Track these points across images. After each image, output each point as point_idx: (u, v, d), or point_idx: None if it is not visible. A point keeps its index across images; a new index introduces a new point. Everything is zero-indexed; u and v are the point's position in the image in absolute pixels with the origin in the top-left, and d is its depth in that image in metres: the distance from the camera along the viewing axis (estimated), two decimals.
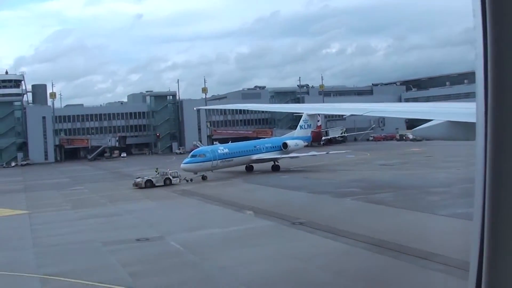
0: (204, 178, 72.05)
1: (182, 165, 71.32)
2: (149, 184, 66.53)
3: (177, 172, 69.95)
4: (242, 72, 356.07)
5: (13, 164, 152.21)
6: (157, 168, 70.93)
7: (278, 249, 30.86)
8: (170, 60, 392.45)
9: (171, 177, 68.71)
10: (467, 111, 18.67)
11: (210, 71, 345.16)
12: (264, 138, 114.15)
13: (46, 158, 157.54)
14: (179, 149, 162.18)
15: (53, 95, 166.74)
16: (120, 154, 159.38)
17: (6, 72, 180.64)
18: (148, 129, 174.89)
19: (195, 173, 71.73)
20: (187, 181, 70.33)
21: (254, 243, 32.64)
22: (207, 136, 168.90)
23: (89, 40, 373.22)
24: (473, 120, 3.27)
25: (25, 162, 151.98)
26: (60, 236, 38.16)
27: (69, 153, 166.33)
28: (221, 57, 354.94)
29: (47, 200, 60.15)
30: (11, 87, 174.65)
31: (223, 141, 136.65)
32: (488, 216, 2.96)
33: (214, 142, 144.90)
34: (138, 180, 67.63)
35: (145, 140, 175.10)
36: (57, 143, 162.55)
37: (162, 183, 67.44)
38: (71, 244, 34.86)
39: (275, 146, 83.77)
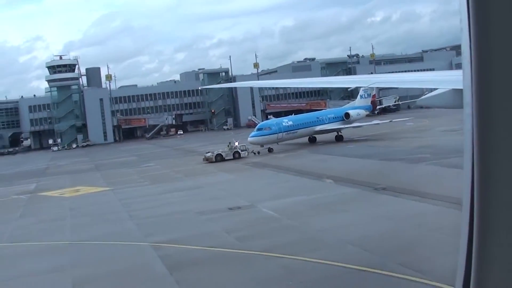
0: (270, 150, 73.40)
1: (249, 139, 72.82)
2: (219, 158, 68.11)
3: (245, 145, 71.43)
4: (287, 45, 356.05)
5: (74, 146, 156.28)
6: (229, 143, 72.27)
7: (370, 212, 31.76)
8: (216, 37, 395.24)
9: (239, 151, 70.21)
10: None
11: (255, 46, 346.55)
12: (318, 110, 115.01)
13: (105, 139, 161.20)
14: (226, 125, 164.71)
15: (109, 77, 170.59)
16: (176, 132, 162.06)
17: (61, 57, 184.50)
18: (203, 106, 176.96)
19: (262, 146, 73.12)
20: (255, 154, 71.74)
21: (344, 208, 33.62)
22: (261, 110, 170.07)
23: (135, 22, 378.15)
24: None
25: (85, 144, 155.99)
26: (152, 209, 39.71)
27: (126, 133, 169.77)
28: (265, 32, 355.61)
29: (124, 177, 62.25)
30: (66, 71, 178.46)
31: (276, 114, 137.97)
32: (477, 210, 2.93)
33: (269, 116, 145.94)
34: (208, 154, 69.27)
35: (200, 117, 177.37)
36: (115, 123, 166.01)
37: (231, 157, 68.96)
38: (166, 215, 36.35)
39: (338, 117, 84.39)
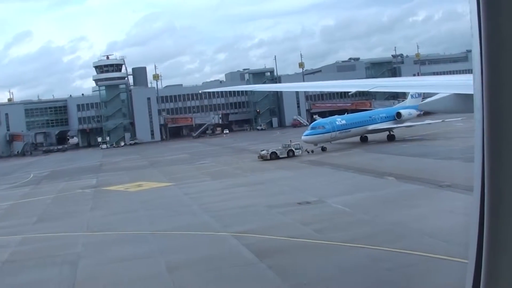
0: (323, 149, 74.26)
1: (303, 137, 73.86)
2: (274, 156, 69.24)
3: (299, 144, 72.43)
4: (328, 45, 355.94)
5: (122, 144, 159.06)
6: (290, 140, 73.15)
7: (439, 207, 32.45)
8: (256, 38, 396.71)
9: (293, 149, 71.23)
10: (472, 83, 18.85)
11: (296, 46, 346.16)
12: (363, 110, 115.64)
13: (152, 137, 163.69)
14: (261, 125, 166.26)
15: (156, 76, 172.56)
16: (222, 131, 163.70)
17: (107, 57, 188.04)
18: (248, 106, 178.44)
19: (315, 144, 74.07)
20: (308, 152, 72.71)
21: (411, 203, 34.39)
22: (306, 110, 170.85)
23: (177, 22, 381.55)
24: None
25: (133, 142, 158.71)
26: (221, 202, 40.92)
27: (172, 132, 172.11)
28: (306, 31, 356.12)
29: (183, 173, 63.72)
30: (113, 71, 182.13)
31: (321, 114, 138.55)
32: (487, 210, 2.93)
33: (314, 116, 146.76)
34: (263, 152, 70.45)
35: (245, 117, 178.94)
36: (162, 122, 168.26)
37: (286, 155, 70.03)
38: (238, 208, 37.47)
39: (389, 116, 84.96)
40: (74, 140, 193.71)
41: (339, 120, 78.97)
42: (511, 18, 2.78)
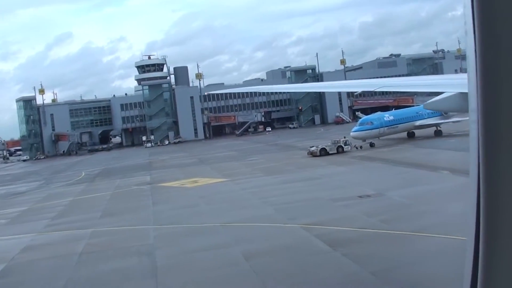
0: (372, 145, 74.66)
1: (351, 133, 74.44)
2: (324, 152, 69.84)
3: (348, 140, 72.93)
4: (366, 41, 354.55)
5: (166, 142, 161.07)
6: (344, 136, 73.62)
7: None
8: (294, 35, 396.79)
9: (343, 145, 71.76)
10: None
11: (334, 43, 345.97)
12: (406, 106, 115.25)
13: (196, 136, 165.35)
14: (293, 123, 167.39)
15: (199, 75, 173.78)
16: (265, 129, 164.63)
17: (149, 57, 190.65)
18: (290, 103, 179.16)
19: (364, 140, 74.55)
20: (357, 148, 73.23)
21: None
22: (348, 107, 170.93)
23: (216, 21, 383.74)
24: None
25: (177, 140, 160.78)
26: (281, 196, 41.68)
27: (214, 130, 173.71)
28: (344, 28, 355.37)
29: (235, 170, 64.79)
30: (154, 70, 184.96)
31: (363, 111, 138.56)
32: (483, 215, 2.90)
33: (356, 113, 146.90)
34: (313, 148, 71.12)
35: (287, 114, 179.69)
36: (205, 121, 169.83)
37: (335, 151, 70.61)
38: (300, 202, 38.19)
39: (436, 112, 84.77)
40: (117, 139, 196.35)
41: (387, 116, 79.27)
42: (506, 15, 2.71)
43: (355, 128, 75.83)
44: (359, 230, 27.97)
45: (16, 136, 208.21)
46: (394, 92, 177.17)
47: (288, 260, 24.07)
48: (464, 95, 17.89)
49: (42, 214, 47.51)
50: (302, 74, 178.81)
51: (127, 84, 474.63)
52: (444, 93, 21.78)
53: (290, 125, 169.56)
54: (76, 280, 24.68)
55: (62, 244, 33.77)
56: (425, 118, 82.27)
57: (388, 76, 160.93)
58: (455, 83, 22.13)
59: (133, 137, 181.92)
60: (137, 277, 24.07)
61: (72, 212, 47.19)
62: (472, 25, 2.85)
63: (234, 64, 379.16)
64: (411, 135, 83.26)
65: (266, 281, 21.32)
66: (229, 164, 72.95)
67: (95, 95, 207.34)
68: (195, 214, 38.45)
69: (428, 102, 26.08)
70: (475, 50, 2.83)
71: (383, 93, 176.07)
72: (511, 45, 2.71)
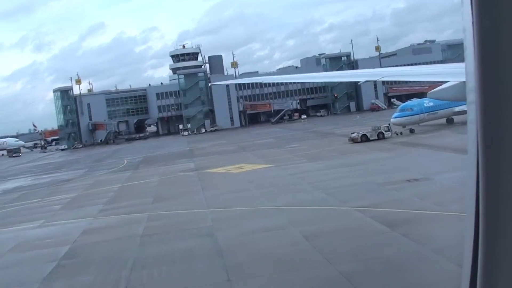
0: (412, 131, 75.02)
1: (392, 119, 74.89)
2: (364, 139, 70.42)
3: (388, 126, 73.36)
4: (398, 28, 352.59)
5: (203, 130, 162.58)
6: (388, 125, 73.82)
7: None
8: (326, 22, 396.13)
9: (383, 131, 72.22)
10: None
11: (366, 29, 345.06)
12: None
13: (232, 124, 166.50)
14: (320, 111, 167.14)
15: (234, 64, 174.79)
16: (300, 116, 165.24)
17: (184, 46, 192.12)
18: (325, 91, 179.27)
19: (404, 126, 74.96)
20: (397, 134, 73.64)
21: None
22: (383, 94, 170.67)
23: (247, 9, 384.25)
24: None
25: (213, 128, 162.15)
26: (329, 181, 42.49)
27: (250, 118, 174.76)
28: (377, 15, 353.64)
29: (278, 156, 65.74)
30: (189, 59, 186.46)
31: (398, 98, 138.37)
32: (483, 211, 2.83)
33: (392, 100, 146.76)
34: (354, 135, 71.77)
35: (322, 102, 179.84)
36: (241, 109, 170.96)
37: (376, 137, 71.10)
38: (349, 186, 38.95)
39: None
40: (152, 128, 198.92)
41: (426, 102, 79.30)
42: (507, 10, 2.63)
43: (396, 114, 76.25)
44: (414, 211, 28.70)
45: (50, 126, 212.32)
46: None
47: (348, 240, 24.91)
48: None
49: (94, 200, 48.97)
50: (337, 61, 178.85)
51: (159, 74, 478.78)
52: (448, 82, 21.97)
53: (318, 114, 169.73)
54: (144, 260, 25.78)
55: (121, 227, 35.03)
56: (464, 104, 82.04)
57: (423, 63, 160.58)
58: (458, 72, 21.33)
59: (169, 125, 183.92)
60: (204, 256, 25.04)
61: (123, 197, 48.51)
62: (471, 20, 2.77)
63: (266, 52, 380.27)
64: (450, 121, 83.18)
65: (331, 258, 22.14)
66: (271, 151, 73.84)
67: (130, 85, 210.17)
68: (247, 198, 39.41)
69: (432, 91, 26.07)
70: (474, 44, 2.74)
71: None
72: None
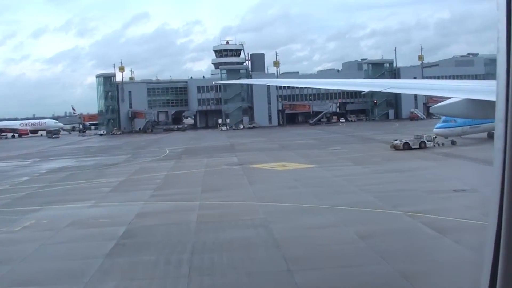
0: (453, 143, 75.22)
1: (434, 130, 75.25)
2: (406, 146, 70.92)
3: (431, 136, 73.83)
4: (441, 38, 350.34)
5: (241, 126, 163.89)
6: (435, 137, 74.18)
7: None
8: (369, 27, 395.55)
9: (425, 141, 72.71)
10: (485, 88, 18.47)
11: (408, 37, 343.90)
12: None
13: (269, 122, 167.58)
14: (351, 117, 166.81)
15: (276, 63, 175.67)
16: (338, 120, 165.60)
17: (227, 42, 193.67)
18: (364, 96, 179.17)
19: (446, 137, 75.26)
20: (439, 145, 73.95)
21: None
22: (423, 103, 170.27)
23: (292, 9, 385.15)
24: (491, 98, 3.45)
25: (251, 125, 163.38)
26: (377, 185, 43.08)
27: (287, 118, 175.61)
28: (420, 23, 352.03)
29: (321, 157, 66.64)
30: (232, 55, 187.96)
31: None
32: (506, 214, 2.87)
33: (430, 110, 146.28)
34: (396, 142, 72.32)
35: (361, 107, 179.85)
36: (280, 108, 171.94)
37: (418, 146, 71.58)
38: (396, 191, 39.65)
39: None
40: (189, 120, 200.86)
41: None
42: None
43: (439, 125, 76.47)
44: (463, 220, 29.41)
45: (86, 110, 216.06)
46: None
47: (401, 242, 25.85)
48: (471, 102, 18.47)
49: (142, 185, 50.46)
50: (379, 67, 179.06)
51: (198, 67, 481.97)
52: (452, 98, 21.45)
53: (350, 119, 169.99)
54: (202, 245, 26.98)
55: (174, 213, 36.36)
56: None
57: (465, 75, 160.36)
58: (462, 89, 22.37)
59: (207, 119, 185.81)
60: (261, 246, 26.18)
61: (171, 185, 49.90)
62: (506, 30, 2.82)
63: (306, 53, 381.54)
64: (491, 136, 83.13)
65: (386, 257, 23.08)
66: (313, 152, 74.80)
67: (170, 76, 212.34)
68: (295, 195, 40.41)
69: (435, 106, 26.50)
70: (508, 56, 2.78)
71: None
72: None
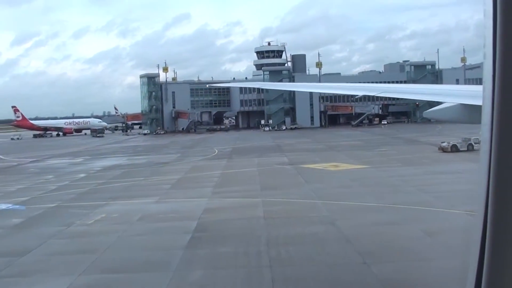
0: None
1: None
2: (454, 149, 71.57)
3: (478, 138, 74.30)
4: (481, 40, 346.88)
5: (283, 127, 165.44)
6: (478, 138, 74.77)
7: None
8: (409, 29, 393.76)
9: (473, 143, 73.27)
10: (479, 93, 18.29)
11: (448, 39, 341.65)
12: None
13: (312, 123, 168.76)
14: (383, 124, 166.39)
15: (319, 64, 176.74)
16: (380, 121, 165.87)
17: (269, 43, 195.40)
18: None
19: None
20: None
21: None
22: None
23: (331, 10, 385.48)
24: None
25: (294, 126, 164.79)
26: (430, 185, 44.18)
27: (329, 119, 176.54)
28: (460, 25, 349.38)
29: (371, 158, 67.83)
30: (273, 57, 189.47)
31: None
32: (491, 213, 2.91)
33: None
34: (444, 144, 72.99)
35: (403, 109, 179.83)
36: (321, 109, 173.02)
37: (465, 148, 72.17)
38: (453, 191, 40.16)
39: None
40: (230, 121, 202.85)
41: None
42: None
43: None
44: None
45: (125, 110, 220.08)
46: None
47: (468, 239, 26.95)
48: (465, 107, 18.35)
49: (201, 183, 52.30)
50: (422, 69, 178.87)
51: (237, 68, 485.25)
52: (445, 103, 21.45)
53: (383, 122, 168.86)
54: (276, 238, 28.52)
55: (239, 208, 38.00)
56: None
57: None
58: (456, 94, 22.33)
59: (249, 119, 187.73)
60: (333, 241, 27.68)
61: (229, 183, 51.63)
62: (492, 36, 2.87)
63: (345, 54, 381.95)
64: None
65: (458, 253, 24.27)
66: (361, 153, 75.94)
67: (212, 77, 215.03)
68: (354, 194, 41.69)
69: (427, 111, 26.90)
70: (494, 53, 2.83)
71: None
72: None
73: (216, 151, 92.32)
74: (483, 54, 3.14)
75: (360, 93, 41.02)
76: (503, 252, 2.92)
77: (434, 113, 24.63)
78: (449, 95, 22.46)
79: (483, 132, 3.06)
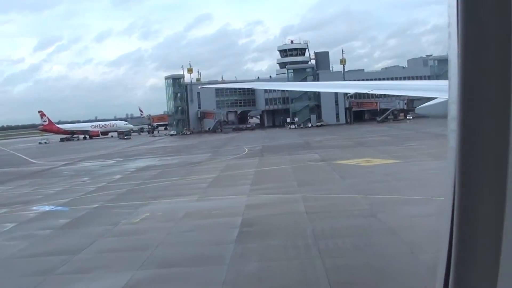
0: None
1: None
2: None
3: None
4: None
5: (309, 125, 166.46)
6: None
7: None
8: (430, 23, 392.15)
9: None
10: None
11: None
12: None
13: (337, 120, 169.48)
14: (409, 119, 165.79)
15: (343, 61, 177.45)
16: (405, 116, 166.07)
17: (292, 42, 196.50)
18: None
19: None
20: None
21: None
22: None
23: (353, 7, 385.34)
24: None
25: (319, 124, 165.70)
26: None
27: (354, 115, 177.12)
28: None
29: (401, 153, 68.59)
30: (297, 55, 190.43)
31: None
32: (457, 214, 2.91)
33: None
34: None
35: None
36: (347, 106, 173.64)
37: None
38: None
39: None
40: (254, 120, 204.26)
41: None
42: (491, 18, 2.65)
43: None
44: None
45: (149, 111, 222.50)
46: None
47: None
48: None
49: (238, 181, 53.49)
50: (445, 63, 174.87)
51: (258, 67, 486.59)
52: (437, 99, 21.64)
53: (408, 117, 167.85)
54: (321, 231, 29.54)
55: (280, 204, 39.03)
56: None
57: None
58: (447, 89, 22.53)
59: (274, 118, 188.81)
60: (377, 233, 28.63)
61: (265, 180, 52.72)
62: (456, 27, 2.81)
63: (366, 50, 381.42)
64: None
65: None
66: (390, 148, 76.67)
67: (235, 77, 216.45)
68: (391, 188, 42.60)
69: (419, 107, 27.09)
70: (458, 54, 2.77)
71: None
72: (496, 49, 2.64)
73: (246, 149, 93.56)
74: (447, 47, 3.05)
75: (352, 91, 41.37)
76: (468, 247, 2.92)
77: (426, 109, 25.43)
78: (441, 90, 22.04)
79: (449, 127, 3.08)
